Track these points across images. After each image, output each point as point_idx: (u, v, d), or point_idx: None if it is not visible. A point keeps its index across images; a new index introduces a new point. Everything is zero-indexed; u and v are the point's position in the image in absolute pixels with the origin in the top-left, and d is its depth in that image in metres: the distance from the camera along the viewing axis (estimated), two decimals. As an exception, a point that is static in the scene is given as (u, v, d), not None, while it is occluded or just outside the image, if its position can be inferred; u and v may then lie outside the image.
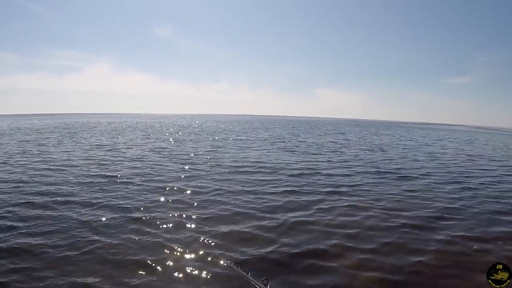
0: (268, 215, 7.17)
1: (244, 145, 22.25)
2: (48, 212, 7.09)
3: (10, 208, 7.32)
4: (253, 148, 20.24)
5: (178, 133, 35.42)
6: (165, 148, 19.96)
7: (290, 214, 7.25)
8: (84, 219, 6.65)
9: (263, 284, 2.95)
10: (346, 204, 8.15)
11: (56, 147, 19.26)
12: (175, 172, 11.91)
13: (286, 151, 19.24)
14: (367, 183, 10.69)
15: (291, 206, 7.91)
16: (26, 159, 14.55)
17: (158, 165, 13.36)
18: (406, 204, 8.30)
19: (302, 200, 8.42)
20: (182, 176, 11.09)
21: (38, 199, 8.03)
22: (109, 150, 18.27)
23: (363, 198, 8.72)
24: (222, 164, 13.77)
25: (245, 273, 3.24)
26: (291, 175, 11.60)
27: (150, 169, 12.40)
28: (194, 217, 6.98)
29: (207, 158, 15.35)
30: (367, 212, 7.56)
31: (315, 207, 7.81)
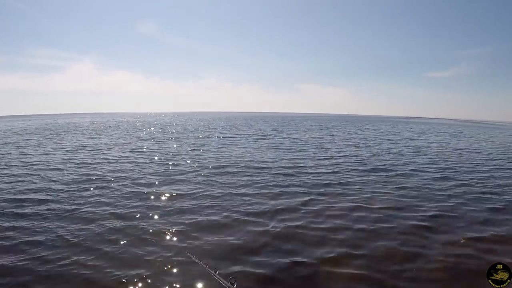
0: (255, 220, 6.72)
1: (228, 143, 21.77)
2: (18, 223, 6.51)
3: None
4: (237, 146, 19.76)
5: (160, 132, 34.69)
6: (147, 148, 19.38)
7: (278, 218, 6.81)
8: (56, 231, 6.08)
9: (231, 283, 2.92)
10: (337, 205, 7.72)
11: (34, 150, 18.43)
12: (156, 174, 11.35)
13: (270, 148, 18.84)
14: (356, 181, 10.30)
15: (279, 209, 7.44)
16: (1, 162, 13.85)
17: (138, 167, 12.75)
18: (398, 204, 7.92)
19: (290, 202, 7.95)
20: (163, 179, 10.57)
21: (7, 208, 7.42)
22: (88, 152, 17.63)
23: (353, 198, 8.32)
24: (205, 164, 13.24)
25: (213, 272, 3.19)
26: (277, 174, 11.19)
27: (129, 172, 11.80)
28: (175, 225, 6.46)
29: (189, 158, 14.79)
30: (359, 213, 7.17)
31: (305, 210, 7.38)
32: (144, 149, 18.63)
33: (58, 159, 14.67)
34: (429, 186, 9.86)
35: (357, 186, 9.58)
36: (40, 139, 26.24)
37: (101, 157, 15.65)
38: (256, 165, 12.95)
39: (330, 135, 30.69)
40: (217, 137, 27.05)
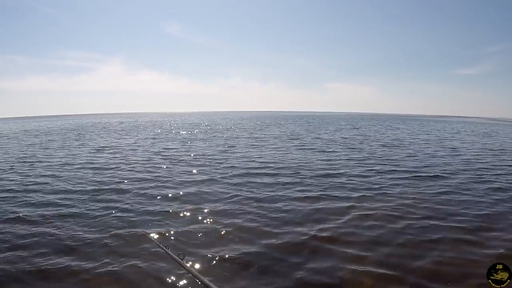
0: (291, 229, 6.33)
1: (258, 143, 21.56)
2: (32, 228, 6.46)
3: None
4: (267, 147, 19.47)
5: (188, 131, 35.01)
6: (173, 148, 19.37)
7: (317, 227, 6.40)
8: (69, 240, 5.87)
9: (180, 259, 3.09)
10: (377, 213, 7.28)
11: (59, 151, 18.95)
12: (181, 177, 11.11)
13: (302, 149, 18.52)
14: (393, 185, 9.83)
15: (318, 216, 7.08)
16: (24, 164, 14.26)
17: (163, 169, 12.65)
18: (440, 212, 7.37)
19: (329, 208, 7.58)
20: (190, 182, 10.33)
21: (22, 213, 7.42)
22: (113, 153, 17.85)
23: (393, 205, 7.84)
24: (235, 166, 12.96)
25: (165, 248, 3.44)
26: (312, 177, 10.84)
27: (154, 174, 11.69)
28: (202, 234, 6.16)
29: (218, 160, 14.60)
30: (401, 223, 6.68)
31: (343, 219, 6.92)
32: (171, 150, 18.62)
33: (80, 161, 14.90)
34: (470, 190, 9.28)
35: (395, 191, 9.14)
36: (66, 139, 27.01)
37: (127, 158, 15.75)
38: (288, 167, 12.62)
39: (361, 135, 30.03)
40: (246, 137, 26.91)
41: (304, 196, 8.59)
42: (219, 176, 11.10)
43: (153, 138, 27.02)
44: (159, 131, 37.18)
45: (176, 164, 13.71)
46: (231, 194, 8.87)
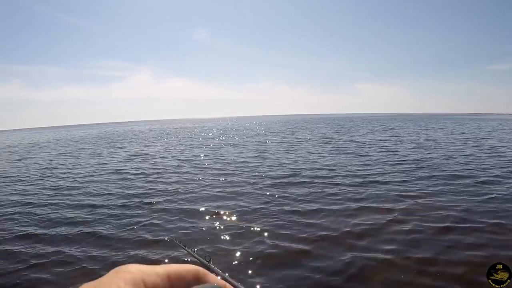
0: (333, 247, 5.68)
1: (290, 148, 21.12)
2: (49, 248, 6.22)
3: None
4: (300, 152, 18.98)
5: (218, 137, 35.07)
6: (203, 155, 19.25)
7: (359, 244, 5.74)
8: (90, 261, 5.51)
9: (206, 261, 2.94)
10: (427, 225, 6.49)
11: (90, 159, 19.36)
12: (212, 184, 10.81)
13: (336, 153, 17.88)
14: (437, 192, 9.02)
15: (359, 232, 6.34)
16: (52, 172, 14.65)
17: (193, 176, 12.45)
18: (494, 226, 6.38)
19: (370, 222, 6.80)
20: (220, 192, 9.87)
21: (40, 229, 7.32)
22: (143, 160, 18.06)
23: (442, 215, 7.07)
24: (267, 173, 12.47)
25: (191, 251, 3.28)
26: (349, 183, 10.24)
27: (183, 182, 11.53)
28: (232, 243, 5.91)
29: (249, 167, 14.20)
30: (452, 237, 5.91)
31: (388, 233, 6.20)
32: (201, 157, 18.51)
33: (111, 169, 15.14)
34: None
35: (444, 199, 8.26)
36: (96, 148, 27.84)
37: (157, 166, 15.78)
38: (323, 173, 12.08)
39: (395, 136, 28.98)
40: (278, 141, 26.55)
41: (342, 204, 8.09)
42: (251, 184, 10.80)
43: (183, 145, 27.20)
44: (189, 137, 37.51)
45: (206, 172, 13.48)
46: (264, 202, 8.58)
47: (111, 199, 9.55)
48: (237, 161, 16.29)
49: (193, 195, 9.75)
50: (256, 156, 17.73)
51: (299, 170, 12.81)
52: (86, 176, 13.58)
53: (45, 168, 16.89)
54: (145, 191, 10.48)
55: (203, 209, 8.23)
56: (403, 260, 5.15)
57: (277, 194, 9.38)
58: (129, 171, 14.41)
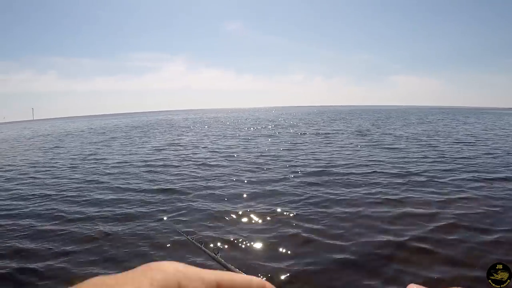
0: (367, 236, 5.69)
1: (325, 141, 20.77)
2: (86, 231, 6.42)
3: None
4: (336, 144, 18.58)
5: (252, 128, 35.06)
6: (236, 146, 19.02)
7: (397, 234, 5.68)
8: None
9: (214, 254, 3.00)
10: (464, 220, 6.31)
11: (122, 148, 19.89)
12: (242, 182, 10.10)
13: (373, 146, 17.44)
14: (477, 187, 8.64)
15: (396, 222, 6.30)
16: (84, 162, 15.02)
17: (224, 167, 12.25)
18: None
19: (409, 214, 6.73)
20: (253, 188, 9.23)
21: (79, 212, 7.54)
22: (176, 150, 18.17)
23: (481, 211, 6.83)
24: (302, 167, 11.95)
25: (199, 244, 3.23)
26: (386, 177, 10.00)
27: (215, 173, 11.31)
28: (264, 238, 5.74)
29: (284, 160, 13.81)
30: (497, 234, 5.72)
31: (429, 225, 6.06)
32: (233, 148, 18.32)
33: (142, 158, 15.43)
34: None
35: (480, 194, 8.01)
36: (132, 136, 28.56)
37: (189, 156, 15.81)
38: (362, 169, 11.49)
39: (432, 130, 27.95)
40: (312, 133, 26.32)
41: (379, 199, 7.93)
42: (285, 176, 10.63)
43: (216, 135, 27.35)
44: (221, 127, 37.74)
45: (237, 164, 13.13)
46: (298, 195, 8.37)
47: (135, 192, 9.35)
48: (270, 153, 16.00)
49: (223, 188, 9.37)
50: (290, 149, 17.51)
51: (334, 165, 12.45)
52: (114, 167, 13.52)
53: (78, 155, 17.57)
54: (176, 179, 10.55)
55: (231, 205, 7.78)
56: (442, 249, 5.05)
57: (310, 186, 9.23)
58: (158, 163, 14.19)
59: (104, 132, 35.13)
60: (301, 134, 26.14)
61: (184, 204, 7.97)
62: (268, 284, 0.48)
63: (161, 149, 18.83)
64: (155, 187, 9.80)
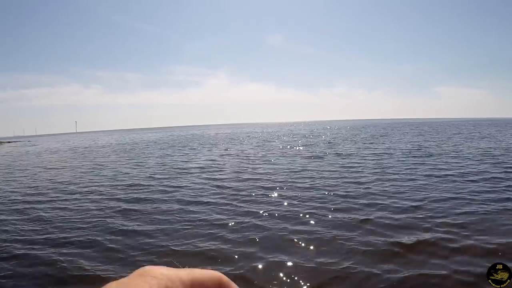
0: None
1: (372, 162, 16.71)
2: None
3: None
4: (387, 170, 14.41)
5: (292, 144, 31.90)
6: (274, 162, 17.51)
7: None
8: None
9: None
10: None
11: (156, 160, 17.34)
12: (279, 210, 8.27)
13: (437, 176, 12.82)
14: None
15: None
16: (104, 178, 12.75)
17: (257, 197, 9.93)
18: None
19: None
20: (288, 218, 7.69)
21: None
22: (211, 167, 17.05)
23: None
24: (350, 190, 9.94)
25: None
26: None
27: (242, 202, 9.34)
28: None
29: (330, 182, 11.23)
30: None
31: None
32: (272, 164, 17.06)
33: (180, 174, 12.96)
34: None
35: None
36: (176, 149, 28.59)
37: (234, 172, 14.57)
38: (420, 213, 7.76)
39: (499, 146, 22.76)
40: (365, 151, 22.15)
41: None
42: (331, 201, 8.60)
43: (257, 152, 24.20)
44: (264, 142, 35.39)
45: (275, 188, 10.91)
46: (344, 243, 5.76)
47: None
48: (314, 176, 13.11)
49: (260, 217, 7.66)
50: (337, 170, 14.34)
51: (394, 191, 9.67)
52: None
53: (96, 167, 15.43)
54: (208, 207, 8.87)
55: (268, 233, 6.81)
56: None
57: (369, 227, 6.53)
58: (193, 181, 13.00)
59: (148, 145, 33.41)
60: (351, 154, 22.07)
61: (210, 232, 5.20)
62: (224, 277, 0.52)
63: (198, 165, 16.09)
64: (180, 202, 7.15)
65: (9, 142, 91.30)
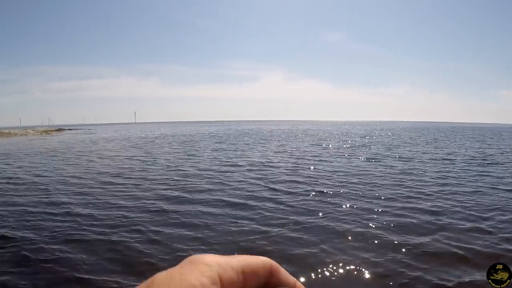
0: None
1: (435, 171, 15.04)
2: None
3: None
4: (453, 173, 13.78)
5: (351, 142, 31.40)
6: (328, 164, 16.70)
7: None
8: None
9: None
10: None
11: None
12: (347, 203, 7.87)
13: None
14: None
15: None
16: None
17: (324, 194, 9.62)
18: None
19: None
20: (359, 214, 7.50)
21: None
22: (265, 162, 17.14)
23: None
24: (420, 203, 9.04)
25: None
26: None
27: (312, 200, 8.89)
28: None
29: (392, 193, 10.38)
30: None
31: None
32: (328, 163, 16.91)
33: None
34: None
35: None
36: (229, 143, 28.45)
37: (296, 170, 14.17)
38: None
39: None
40: (418, 158, 20.64)
41: None
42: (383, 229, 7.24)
43: (314, 150, 23.98)
44: (320, 140, 35.09)
45: (333, 187, 10.72)
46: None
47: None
48: (372, 181, 12.43)
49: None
50: (393, 176, 13.68)
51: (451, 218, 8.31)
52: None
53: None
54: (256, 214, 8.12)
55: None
56: None
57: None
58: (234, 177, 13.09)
59: (207, 137, 34.18)
60: (413, 157, 21.11)
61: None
62: (274, 263, 0.52)
63: (251, 164, 16.12)
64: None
65: (69, 129, 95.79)
